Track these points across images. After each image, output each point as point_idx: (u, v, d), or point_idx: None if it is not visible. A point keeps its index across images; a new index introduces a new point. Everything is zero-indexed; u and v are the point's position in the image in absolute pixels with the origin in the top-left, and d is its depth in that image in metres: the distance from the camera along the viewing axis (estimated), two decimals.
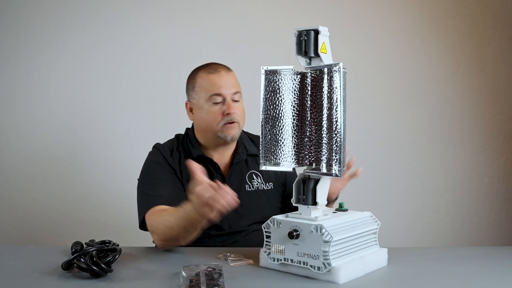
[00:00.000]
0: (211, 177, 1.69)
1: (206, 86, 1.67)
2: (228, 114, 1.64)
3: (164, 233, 1.46)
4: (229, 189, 1.29)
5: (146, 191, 1.63)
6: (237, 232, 1.69)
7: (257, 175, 1.75)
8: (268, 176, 1.76)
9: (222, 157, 1.74)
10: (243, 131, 1.80)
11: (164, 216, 1.48)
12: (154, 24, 2.66)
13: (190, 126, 1.84)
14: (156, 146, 1.76)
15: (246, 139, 1.80)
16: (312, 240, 1.20)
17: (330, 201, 1.63)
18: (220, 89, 1.65)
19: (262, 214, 1.66)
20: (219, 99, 1.65)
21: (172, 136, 1.82)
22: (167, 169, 1.67)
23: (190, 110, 1.75)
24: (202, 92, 1.67)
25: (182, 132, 1.84)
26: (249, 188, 1.72)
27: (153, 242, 1.61)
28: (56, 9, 2.61)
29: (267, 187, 1.75)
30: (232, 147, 1.76)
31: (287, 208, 1.70)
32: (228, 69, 1.72)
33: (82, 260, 1.21)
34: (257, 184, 1.73)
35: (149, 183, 1.65)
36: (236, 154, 1.74)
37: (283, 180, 1.80)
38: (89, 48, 2.63)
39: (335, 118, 1.21)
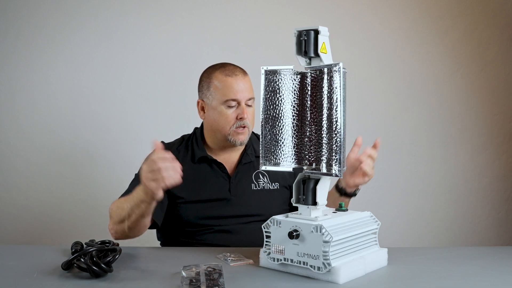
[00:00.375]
0: (216, 177, 1.71)
1: (223, 88, 1.67)
2: (241, 118, 1.66)
3: (116, 214, 1.54)
4: (179, 166, 1.36)
5: (129, 186, 1.70)
6: (240, 231, 1.70)
7: (263, 175, 1.76)
8: (274, 176, 1.77)
9: (229, 157, 1.76)
10: (253, 132, 1.82)
11: (120, 202, 1.57)
12: (154, 24, 2.66)
13: (191, 126, 1.85)
14: None
15: (256, 140, 1.81)
16: (312, 240, 1.20)
17: (346, 195, 1.63)
18: (236, 94, 1.66)
19: (268, 213, 1.67)
20: (233, 103, 1.67)
21: (174, 136, 1.84)
22: None
23: (202, 109, 1.75)
24: (217, 94, 1.68)
25: (184, 131, 1.85)
26: (255, 187, 1.74)
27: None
28: (56, 9, 2.61)
29: (273, 187, 1.76)
30: (241, 148, 1.77)
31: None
32: (244, 73, 1.72)
33: (82, 260, 1.21)
34: (263, 184, 1.75)
35: (135, 179, 1.71)
36: (245, 155, 1.75)
37: (289, 184, 1.79)
38: (89, 48, 2.63)
39: (335, 118, 1.21)
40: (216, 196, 1.70)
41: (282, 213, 1.72)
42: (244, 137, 1.69)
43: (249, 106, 1.70)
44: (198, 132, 1.79)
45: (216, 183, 1.71)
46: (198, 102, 1.76)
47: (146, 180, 1.38)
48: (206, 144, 1.76)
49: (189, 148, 1.76)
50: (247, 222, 1.71)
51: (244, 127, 1.68)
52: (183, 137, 1.82)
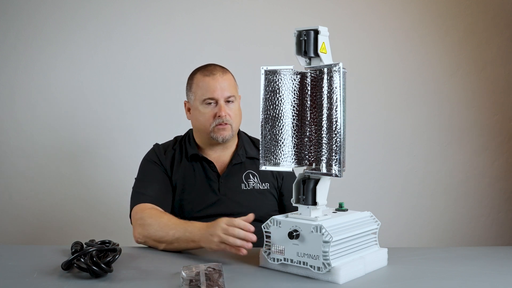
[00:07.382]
0: (206, 175, 1.71)
1: (201, 88, 1.70)
2: (219, 116, 1.67)
3: (156, 234, 1.50)
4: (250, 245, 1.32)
5: (136, 189, 1.71)
6: None
7: (253, 175, 1.76)
8: (265, 176, 1.77)
9: (220, 156, 1.77)
10: (245, 133, 1.85)
11: (163, 220, 1.53)
12: (154, 24, 2.66)
13: (190, 126, 1.86)
14: (153, 146, 1.82)
15: (248, 141, 1.83)
16: (312, 240, 1.20)
17: None
18: (213, 93, 1.68)
19: (258, 213, 1.67)
20: (211, 101, 1.69)
21: (173, 136, 1.85)
22: (158, 168, 1.74)
23: (188, 110, 1.79)
24: (197, 94, 1.71)
25: (182, 131, 1.86)
26: (245, 187, 1.74)
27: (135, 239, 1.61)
28: (56, 9, 2.61)
29: (263, 187, 1.76)
30: (232, 148, 1.78)
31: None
32: (224, 71, 1.73)
33: (82, 260, 1.21)
34: (253, 184, 1.75)
35: (140, 181, 1.73)
36: (236, 156, 1.76)
37: (279, 185, 1.80)
38: (89, 48, 2.63)
39: (335, 118, 1.21)
40: (205, 194, 1.71)
41: (272, 213, 1.71)
42: (226, 134, 1.70)
43: (231, 102, 1.71)
44: (191, 132, 1.81)
45: (206, 182, 1.73)
46: (184, 104, 1.80)
47: (218, 238, 1.35)
48: (197, 144, 1.78)
49: (183, 147, 1.78)
50: None
51: (225, 123, 1.69)
52: (176, 138, 1.84)
